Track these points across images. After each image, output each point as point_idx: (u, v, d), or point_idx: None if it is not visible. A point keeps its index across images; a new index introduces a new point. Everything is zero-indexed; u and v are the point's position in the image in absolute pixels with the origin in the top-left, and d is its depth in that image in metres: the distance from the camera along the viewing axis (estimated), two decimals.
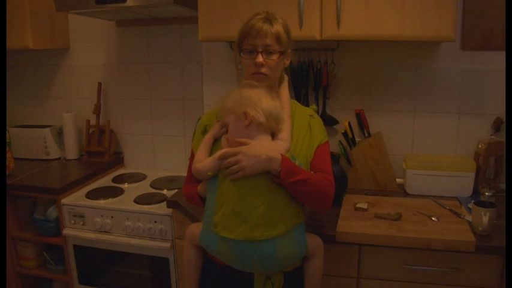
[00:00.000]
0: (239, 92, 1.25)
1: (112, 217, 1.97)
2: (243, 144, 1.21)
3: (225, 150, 1.23)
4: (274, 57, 1.27)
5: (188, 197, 1.40)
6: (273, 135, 1.27)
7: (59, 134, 2.52)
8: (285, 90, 1.36)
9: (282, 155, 1.20)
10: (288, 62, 1.35)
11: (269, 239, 1.19)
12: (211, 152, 1.29)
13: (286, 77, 1.38)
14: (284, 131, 1.26)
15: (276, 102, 1.25)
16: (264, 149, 1.19)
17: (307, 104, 1.97)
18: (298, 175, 1.20)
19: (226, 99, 1.27)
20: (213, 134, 1.32)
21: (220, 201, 1.22)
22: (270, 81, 1.30)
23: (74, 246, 2.06)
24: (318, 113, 1.93)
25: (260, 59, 1.25)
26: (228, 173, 1.20)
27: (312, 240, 1.32)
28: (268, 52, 1.26)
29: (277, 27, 1.27)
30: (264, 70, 1.27)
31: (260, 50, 1.26)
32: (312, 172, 1.27)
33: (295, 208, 1.24)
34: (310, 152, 1.30)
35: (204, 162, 1.27)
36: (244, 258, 1.21)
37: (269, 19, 1.27)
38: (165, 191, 2.12)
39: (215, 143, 1.31)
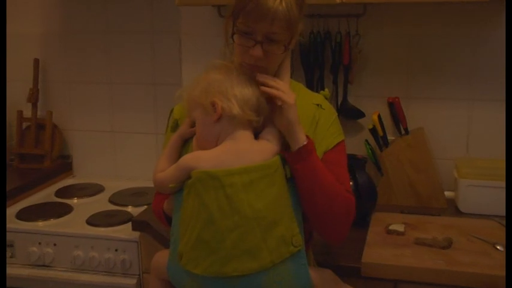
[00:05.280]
0: (206, 77, 1.26)
1: (55, 245, 1.94)
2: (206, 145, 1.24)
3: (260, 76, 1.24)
4: (279, 50, 1.22)
5: (155, 214, 1.42)
6: (258, 133, 1.26)
7: None
8: (285, 70, 1.32)
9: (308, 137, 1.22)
10: (294, 42, 1.29)
11: (248, 274, 1.17)
12: (179, 158, 1.28)
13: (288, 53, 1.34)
14: (273, 127, 1.26)
15: (254, 87, 1.23)
16: None
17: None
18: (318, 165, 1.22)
19: (193, 86, 1.27)
20: (180, 135, 1.33)
21: (185, 225, 1.21)
22: (269, 73, 1.27)
23: None
24: (335, 103, 2.00)
25: (259, 52, 1.20)
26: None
27: (317, 274, 1.29)
28: (271, 40, 1.21)
29: (289, 5, 1.18)
30: (262, 63, 1.23)
31: (260, 40, 1.20)
32: None
33: (286, 229, 1.20)
34: None
35: (166, 171, 1.27)
36: None
37: None
38: (129, 208, 2.11)
39: (185, 145, 1.32)
